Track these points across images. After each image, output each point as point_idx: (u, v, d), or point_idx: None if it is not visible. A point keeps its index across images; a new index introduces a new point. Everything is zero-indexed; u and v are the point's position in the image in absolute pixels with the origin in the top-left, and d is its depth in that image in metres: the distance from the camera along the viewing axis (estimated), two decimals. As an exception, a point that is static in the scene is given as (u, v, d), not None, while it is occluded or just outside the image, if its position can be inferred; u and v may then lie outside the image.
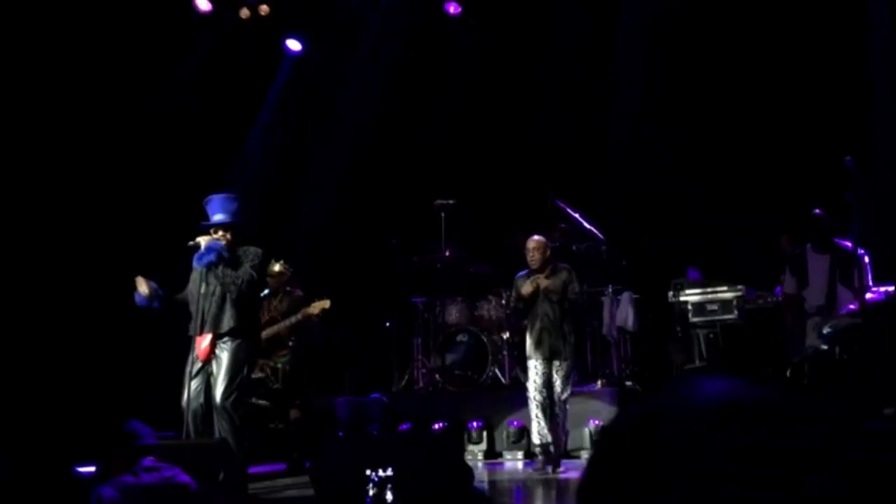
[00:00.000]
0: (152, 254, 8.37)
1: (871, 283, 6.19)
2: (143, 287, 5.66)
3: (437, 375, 8.63)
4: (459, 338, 8.77)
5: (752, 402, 1.10)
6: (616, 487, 0.99)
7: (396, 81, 10.48)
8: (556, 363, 6.59)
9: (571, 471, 6.85)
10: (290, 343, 7.39)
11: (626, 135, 9.90)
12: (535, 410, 6.56)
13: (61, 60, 8.21)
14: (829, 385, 6.00)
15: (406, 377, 9.12)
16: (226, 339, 5.52)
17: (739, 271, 8.26)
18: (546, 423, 6.52)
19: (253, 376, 6.11)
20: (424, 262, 9.12)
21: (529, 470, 6.86)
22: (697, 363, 8.05)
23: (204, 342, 5.49)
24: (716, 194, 9.08)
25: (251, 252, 5.68)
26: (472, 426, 8.01)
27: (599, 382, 8.33)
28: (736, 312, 7.99)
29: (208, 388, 5.50)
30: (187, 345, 5.62)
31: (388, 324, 9.58)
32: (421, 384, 8.93)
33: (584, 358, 8.64)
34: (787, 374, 6.36)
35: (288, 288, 7.52)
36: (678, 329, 8.26)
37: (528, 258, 6.70)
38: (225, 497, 4.55)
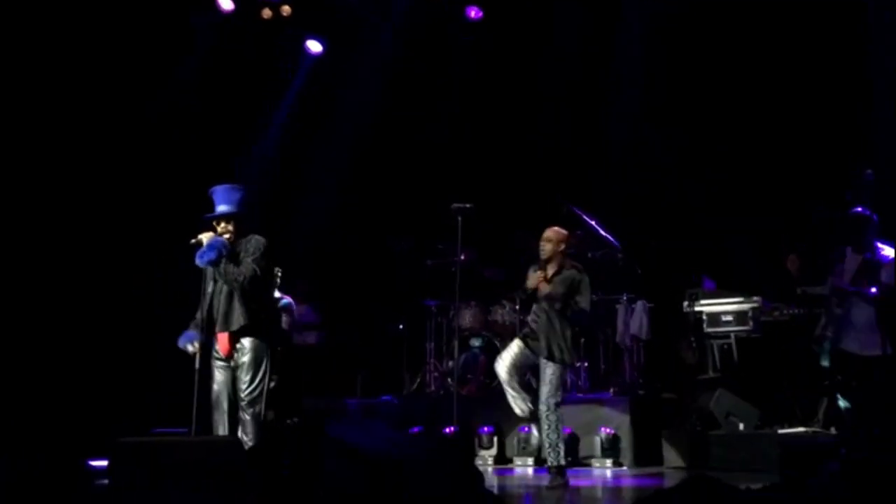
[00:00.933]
0: (153, 253, 8.47)
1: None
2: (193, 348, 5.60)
3: (448, 379, 8.61)
4: (472, 342, 8.77)
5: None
6: None
7: (398, 81, 10.45)
8: (540, 363, 6.25)
9: (583, 479, 6.83)
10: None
11: (626, 135, 9.86)
12: (504, 387, 6.38)
13: (62, 62, 8.26)
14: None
15: (418, 380, 9.12)
16: (242, 337, 5.50)
17: (755, 282, 8.22)
18: (518, 393, 6.29)
19: None
20: (438, 266, 9.11)
21: (541, 476, 6.80)
22: (711, 374, 8.01)
23: (224, 339, 5.49)
24: (716, 195, 9.07)
25: (253, 244, 5.54)
26: (483, 431, 8.00)
27: (612, 390, 8.30)
28: (751, 324, 7.95)
29: (233, 383, 5.50)
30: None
31: (400, 326, 9.59)
32: (432, 388, 8.92)
33: (596, 365, 8.63)
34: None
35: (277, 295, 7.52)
36: (692, 339, 8.22)
37: (540, 247, 6.37)
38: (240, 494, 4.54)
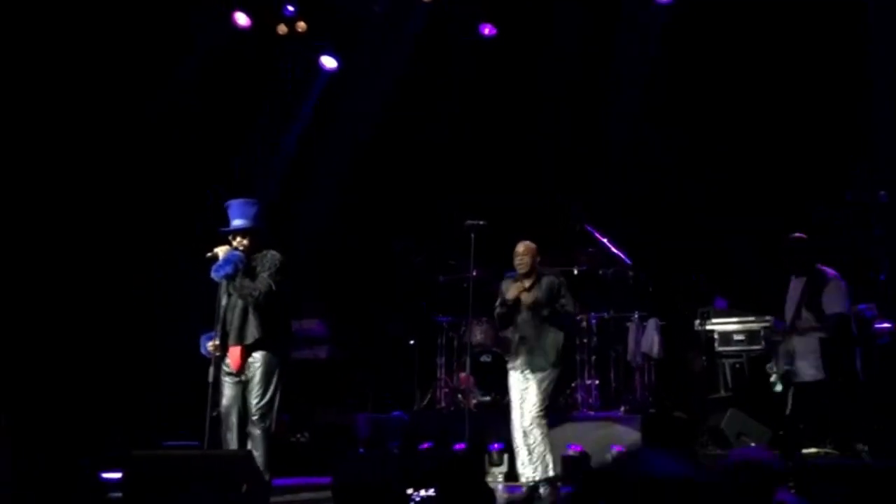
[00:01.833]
0: (154, 254, 8.50)
1: (841, 310, 6.20)
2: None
3: (459, 395, 8.60)
4: (483, 358, 8.76)
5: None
6: None
7: (403, 88, 10.47)
8: (531, 375, 6.36)
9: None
10: None
11: (626, 135, 9.88)
12: (516, 437, 6.39)
13: (62, 62, 8.32)
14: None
15: (428, 396, 9.10)
16: (255, 350, 5.52)
17: (767, 301, 8.21)
18: (529, 463, 6.29)
19: None
20: (450, 282, 9.12)
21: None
22: (723, 393, 7.99)
23: (236, 353, 5.51)
24: (716, 195, 9.08)
25: (269, 258, 5.59)
26: (494, 448, 7.96)
27: (623, 409, 8.27)
28: (763, 343, 7.92)
29: (242, 398, 5.52)
30: (193, 350, 5.64)
31: (411, 342, 9.58)
32: (443, 404, 8.90)
33: (607, 383, 8.60)
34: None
35: None
36: (703, 358, 8.20)
37: (517, 262, 6.55)
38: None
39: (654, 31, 9.66)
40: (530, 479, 6.32)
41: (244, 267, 5.51)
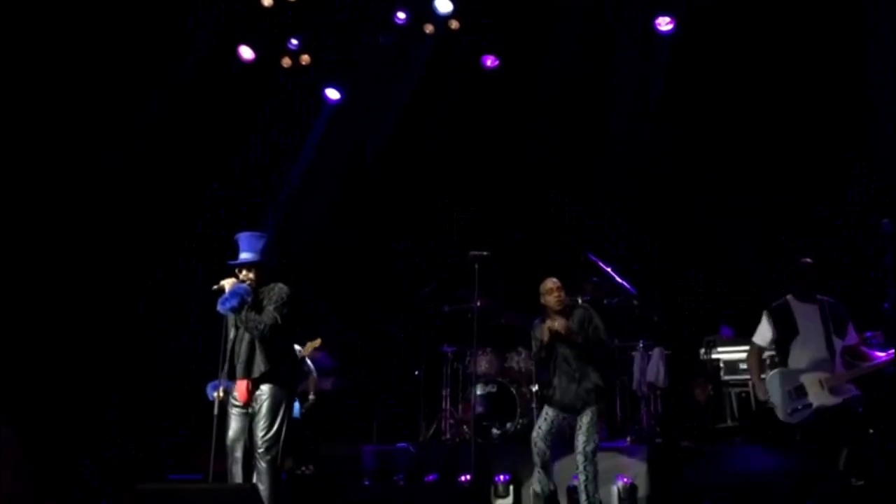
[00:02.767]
0: (152, 259, 8.52)
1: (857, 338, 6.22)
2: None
3: (464, 426, 8.57)
4: (488, 389, 8.73)
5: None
6: None
7: (405, 117, 10.52)
8: (579, 413, 6.31)
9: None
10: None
11: (625, 134, 9.89)
12: (535, 458, 6.39)
13: (64, 64, 8.41)
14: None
15: (433, 427, 9.07)
16: (261, 384, 5.53)
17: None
18: (545, 473, 6.33)
19: None
20: (455, 312, 9.12)
21: None
22: (729, 422, 7.95)
23: (243, 386, 5.52)
24: (716, 194, 9.09)
25: (276, 292, 5.63)
26: (499, 479, 7.91)
27: (629, 439, 8.22)
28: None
29: (249, 431, 5.52)
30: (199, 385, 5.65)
31: (416, 372, 9.57)
32: (448, 435, 8.86)
33: (613, 413, 8.57)
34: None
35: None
36: (710, 387, 8.17)
37: (552, 299, 6.43)
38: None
39: (654, 32, 9.62)
40: None
41: (250, 300, 5.54)
